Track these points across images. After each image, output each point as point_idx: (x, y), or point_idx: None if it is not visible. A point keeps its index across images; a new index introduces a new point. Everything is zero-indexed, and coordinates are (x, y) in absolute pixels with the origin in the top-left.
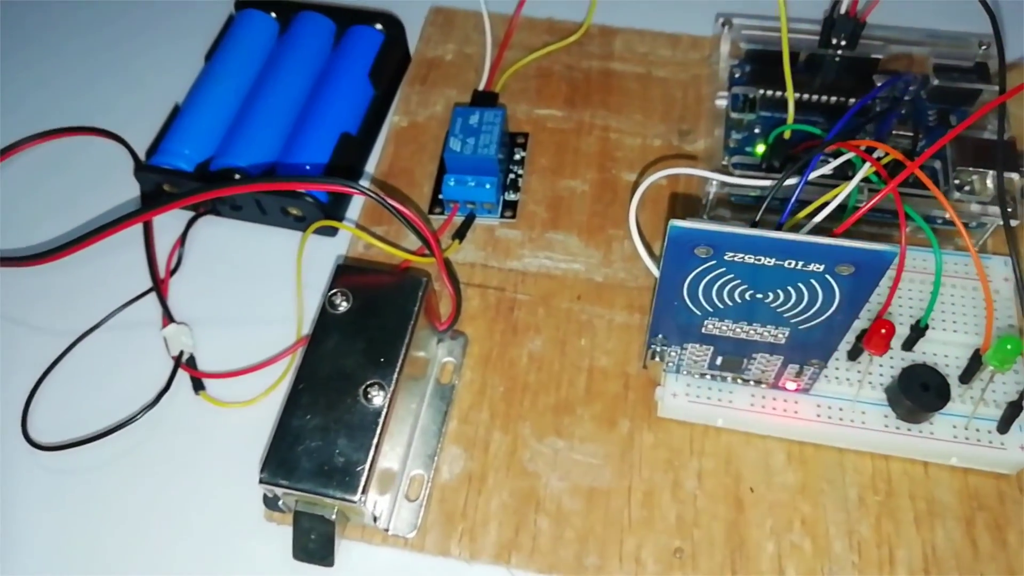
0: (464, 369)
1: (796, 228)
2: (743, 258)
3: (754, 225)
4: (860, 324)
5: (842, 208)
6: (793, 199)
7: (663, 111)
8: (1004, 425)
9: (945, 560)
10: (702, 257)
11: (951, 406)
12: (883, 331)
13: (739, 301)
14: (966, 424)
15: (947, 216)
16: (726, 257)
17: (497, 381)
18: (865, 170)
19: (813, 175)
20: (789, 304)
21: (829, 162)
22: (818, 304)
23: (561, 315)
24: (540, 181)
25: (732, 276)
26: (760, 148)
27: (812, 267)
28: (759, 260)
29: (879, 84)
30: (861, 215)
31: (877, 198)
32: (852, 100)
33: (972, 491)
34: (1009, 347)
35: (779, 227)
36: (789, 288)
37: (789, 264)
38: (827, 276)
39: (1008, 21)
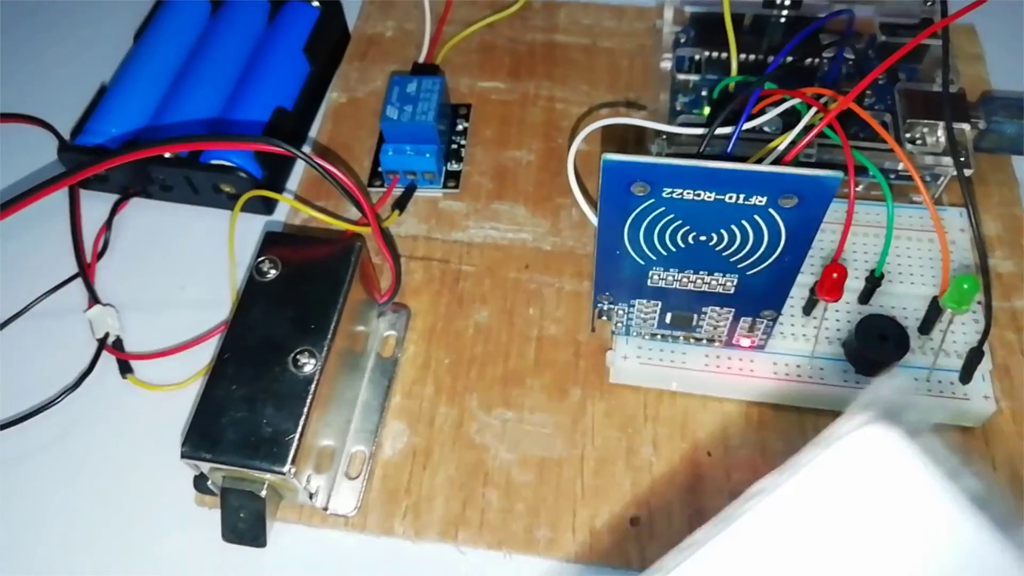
0: (407, 343)
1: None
2: (682, 194)
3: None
4: (813, 278)
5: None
6: (736, 132)
7: (609, 81)
8: (966, 375)
9: None
10: (640, 196)
11: (912, 358)
12: (835, 275)
13: (683, 246)
14: (928, 376)
15: (900, 169)
16: (664, 194)
17: (442, 354)
18: (809, 115)
19: (757, 124)
20: (735, 246)
21: (776, 109)
22: (764, 244)
23: (508, 285)
24: (484, 152)
25: (673, 216)
26: (707, 109)
27: (754, 200)
28: (699, 195)
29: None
30: (800, 149)
31: (816, 130)
32: (799, 59)
33: None
34: (965, 286)
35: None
36: (733, 227)
37: (730, 198)
38: (770, 211)
39: None
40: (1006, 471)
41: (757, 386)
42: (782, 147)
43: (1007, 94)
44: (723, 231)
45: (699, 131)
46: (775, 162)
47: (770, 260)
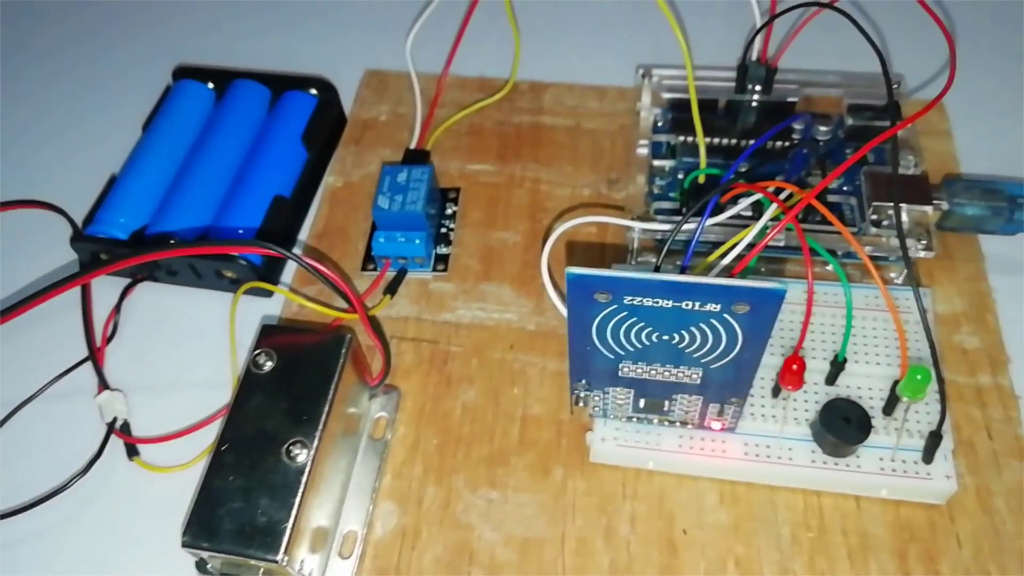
0: (398, 424)
1: (707, 270)
2: (641, 301)
3: (656, 269)
4: (782, 360)
5: (751, 248)
6: (693, 241)
7: (592, 161)
8: (928, 455)
9: None
10: (602, 302)
11: (876, 438)
12: (795, 367)
13: (648, 343)
14: (892, 456)
15: (865, 251)
16: (626, 301)
17: (431, 434)
18: (772, 210)
19: (726, 217)
20: (695, 345)
21: (738, 204)
22: (723, 343)
23: (494, 365)
24: (472, 234)
25: (635, 319)
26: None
27: (709, 307)
28: (657, 302)
29: (776, 127)
30: (757, 252)
31: (774, 231)
32: (772, 144)
33: (904, 523)
34: (919, 377)
35: (683, 270)
36: (692, 329)
37: (687, 305)
38: (725, 315)
39: (919, 55)
40: (971, 547)
41: (729, 466)
42: (743, 245)
43: (970, 176)
44: (683, 332)
45: (660, 227)
46: (740, 255)
47: (730, 356)
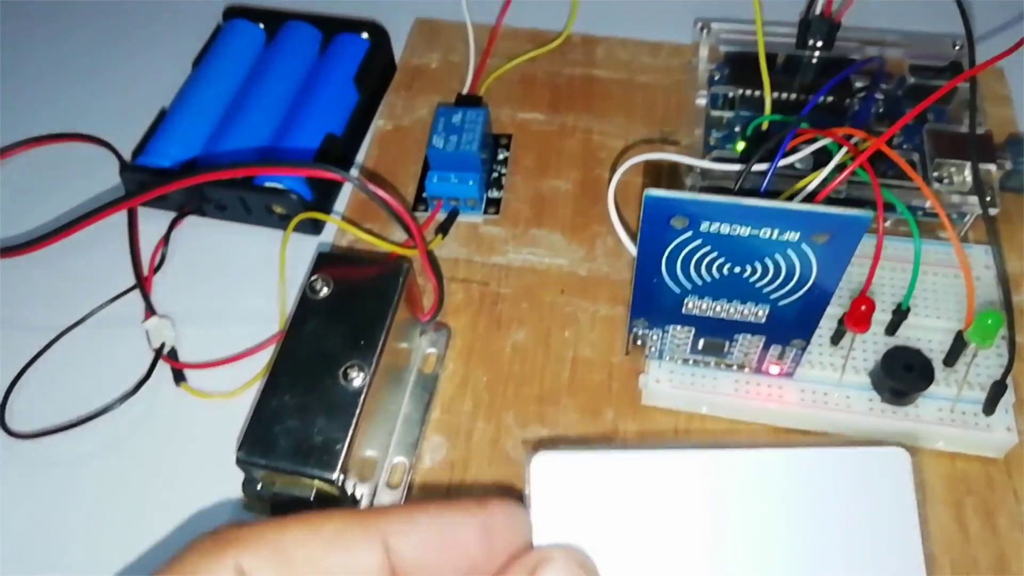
0: (447, 360)
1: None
2: (719, 228)
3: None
4: (841, 310)
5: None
6: (771, 170)
7: (645, 115)
8: (989, 406)
9: (936, 544)
10: (678, 228)
11: (936, 389)
12: (863, 307)
13: (718, 276)
14: (952, 407)
15: (928, 207)
16: (702, 228)
17: (480, 372)
18: (840, 155)
19: (790, 161)
20: (767, 278)
21: (807, 148)
22: (796, 277)
23: (545, 308)
24: (524, 180)
25: (709, 248)
26: (740, 145)
27: (787, 236)
28: (735, 230)
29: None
30: (833, 187)
31: (847, 172)
32: (831, 99)
33: (960, 475)
34: (990, 322)
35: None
36: (767, 260)
37: (765, 233)
38: (803, 245)
39: (983, 20)
40: None
41: (785, 412)
42: (813, 185)
43: None
44: (757, 264)
45: (733, 167)
46: (807, 199)
47: (801, 292)
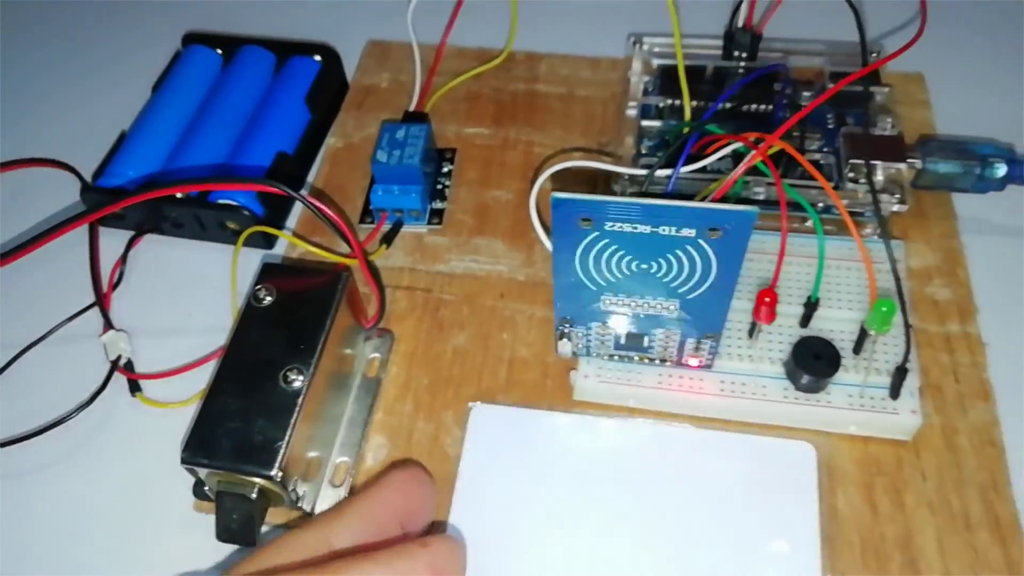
0: (391, 365)
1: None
2: (621, 227)
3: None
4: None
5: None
6: (673, 177)
7: (583, 127)
8: (894, 391)
9: (846, 524)
10: (585, 228)
11: (846, 375)
12: (767, 299)
13: (628, 273)
14: (860, 392)
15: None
16: (607, 227)
17: (422, 375)
18: (750, 158)
19: (702, 164)
20: (672, 273)
21: (718, 153)
22: (699, 271)
23: (485, 312)
24: (467, 192)
25: (616, 247)
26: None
27: (684, 232)
28: (636, 228)
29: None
30: (733, 181)
31: (745, 165)
32: (755, 107)
33: (872, 458)
34: (884, 309)
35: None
36: (669, 256)
37: (664, 231)
38: (700, 241)
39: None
40: (935, 480)
41: (706, 403)
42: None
43: (946, 137)
44: (661, 260)
45: (639, 171)
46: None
47: (705, 285)
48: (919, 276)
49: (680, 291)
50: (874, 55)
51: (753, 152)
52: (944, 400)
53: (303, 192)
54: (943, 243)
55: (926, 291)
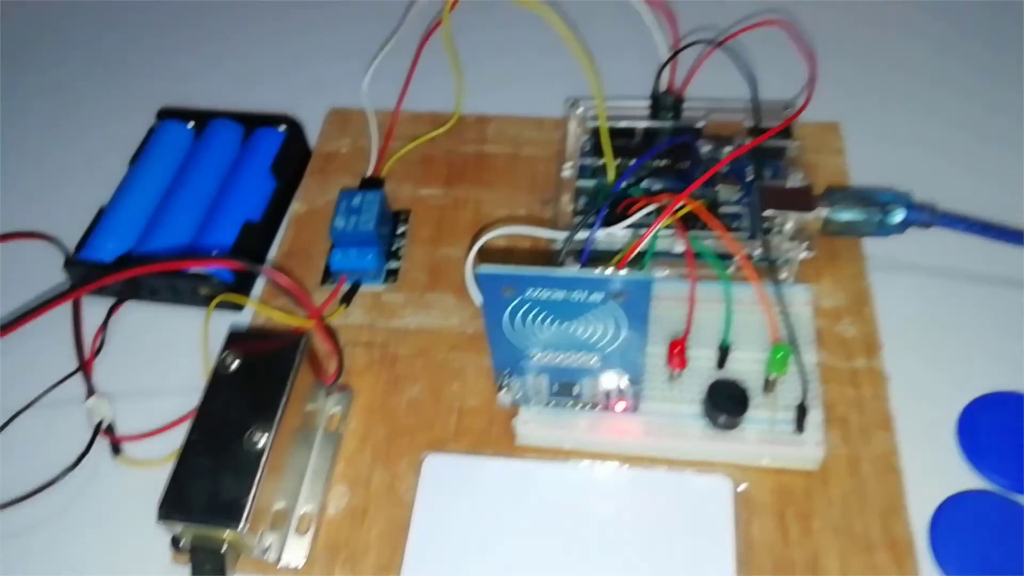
0: (351, 418)
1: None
2: (540, 294)
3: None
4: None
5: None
6: (588, 244)
7: (528, 185)
8: (799, 425)
9: (760, 550)
10: (510, 296)
11: (757, 413)
12: (677, 350)
13: (552, 331)
14: (770, 428)
15: (758, 254)
16: (528, 294)
17: (379, 427)
18: (663, 219)
19: (620, 226)
20: (589, 331)
21: (637, 214)
22: (611, 329)
23: (437, 365)
24: (421, 250)
25: (538, 310)
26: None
27: (593, 297)
28: (553, 294)
29: (666, 141)
30: (636, 249)
31: (652, 228)
32: (681, 164)
33: (784, 488)
34: (779, 355)
35: (582, 267)
36: (585, 316)
37: (576, 296)
38: (608, 304)
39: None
40: (840, 506)
41: (633, 443)
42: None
43: (850, 187)
44: (578, 320)
45: (556, 234)
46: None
47: (620, 341)
48: (829, 315)
49: (599, 346)
50: (786, 110)
51: (658, 217)
52: (849, 431)
53: (270, 257)
54: (852, 284)
55: (835, 329)
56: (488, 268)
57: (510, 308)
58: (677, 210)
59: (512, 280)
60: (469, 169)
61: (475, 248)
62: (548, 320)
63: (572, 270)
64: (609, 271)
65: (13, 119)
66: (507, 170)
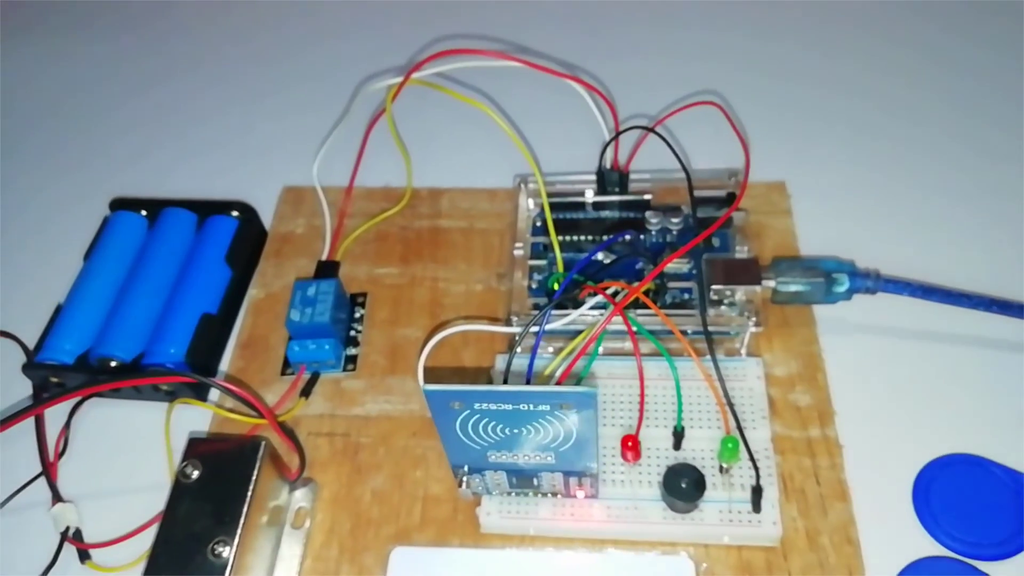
0: (316, 511)
1: (549, 378)
2: (487, 406)
3: (504, 380)
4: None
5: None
6: (533, 352)
7: (483, 258)
8: (755, 506)
9: None
10: (458, 409)
11: (714, 493)
12: (630, 444)
13: (504, 436)
14: (728, 508)
15: (710, 329)
16: (476, 406)
17: (345, 519)
18: (601, 323)
19: (566, 321)
20: (540, 435)
21: (587, 303)
22: (562, 433)
23: (399, 452)
24: (379, 333)
25: (488, 419)
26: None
27: (540, 407)
28: (500, 406)
29: (610, 239)
30: (585, 350)
31: (602, 324)
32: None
33: (746, 564)
34: (730, 445)
35: (528, 379)
36: (535, 423)
37: (523, 407)
38: (556, 412)
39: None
40: None
41: (595, 528)
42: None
43: (805, 253)
44: (528, 427)
45: (507, 330)
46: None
47: (571, 442)
48: (783, 384)
49: (552, 446)
50: (732, 179)
51: (607, 314)
52: (807, 503)
53: (230, 345)
54: (804, 350)
55: (789, 398)
56: (434, 386)
57: (460, 418)
58: (621, 298)
59: (459, 395)
60: (425, 245)
61: (423, 355)
62: (499, 427)
63: (513, 387)
64: (550, 387)
65: None
66: (462, 244)
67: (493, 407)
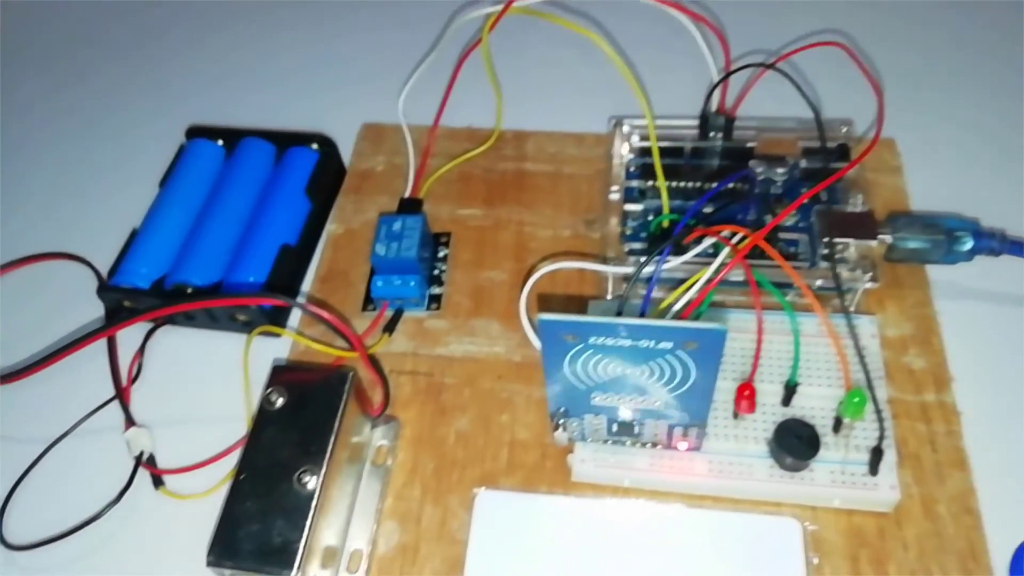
0: (398, 450)
1: (664, 312)
2: (604, 341)
3: (619, 312)
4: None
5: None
6: (650, 287)
7: (571, 204)
8: (873, 468)
9: None
10: (571, 342)
11: (827, 453)
12: (747, 393)
13: (615, 376)
14: (841, 469)
15: (820, 283)
16: (591, 340)
17: (428, 459)
18: (725, 253)
19: (681, 260)
20: (655, 376)
21: (699, 246)
22: (679, 375)
23: (485, 394)
24: (463, 274)
25: (601, 356)
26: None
27: (663, 345)
28: (618, 342)
29: (727, 179)
30: (704, 295)
31: (724, 271)
32: (740, 186)
33: (856, 530)
34: (856, 400)
35: (642, 312)
36: (652, 363)
37: (644, 344)
38: (678, 351)
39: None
40: (916, 550)
41: (696, 483)
42: (695, 289)
43: (917, 211)
44: (644, 366)
45: (620, 270)
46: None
47: (687, 386)
48: (895, 346)
49: (663, 390)
50: (845, 130)
51: (729, 260)
52: (922, 470)
53: (307, 279)
54: (917, 312)
55: (902, 360)
56: (549, 316)
57: (571, 354)
58: (738, 242)
59: (574, 327)
60: (509, 188)
61: (527, 287)
62: (611, 365)
63: (639, 320)
64: (673, 318)
65: (38, 136)
66: (549, 188)
67: (610, 342)
